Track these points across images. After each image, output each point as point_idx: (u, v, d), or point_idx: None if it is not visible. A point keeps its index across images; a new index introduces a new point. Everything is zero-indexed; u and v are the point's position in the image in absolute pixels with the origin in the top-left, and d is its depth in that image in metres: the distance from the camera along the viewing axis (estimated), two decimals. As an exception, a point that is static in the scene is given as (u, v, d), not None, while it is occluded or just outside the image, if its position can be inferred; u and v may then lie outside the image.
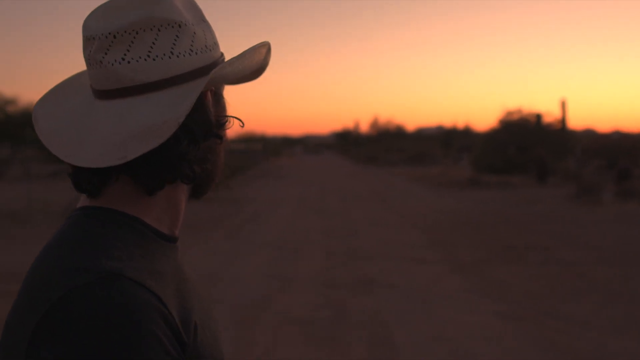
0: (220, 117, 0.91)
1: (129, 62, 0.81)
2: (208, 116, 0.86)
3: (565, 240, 10.29)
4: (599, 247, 9.60)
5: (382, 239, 10.66)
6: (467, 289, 6.97)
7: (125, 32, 0.81)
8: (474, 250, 9.37)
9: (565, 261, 8.46)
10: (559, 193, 18.33)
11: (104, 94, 0.84)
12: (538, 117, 29.41)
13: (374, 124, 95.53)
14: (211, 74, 0.83)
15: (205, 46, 0.87)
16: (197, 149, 0.85)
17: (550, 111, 42.05)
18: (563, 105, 30.02)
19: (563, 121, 29.75)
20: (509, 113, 30.08)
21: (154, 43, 0.82)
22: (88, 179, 0.83)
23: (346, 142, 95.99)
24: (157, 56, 0.82)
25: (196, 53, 0.86)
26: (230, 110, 0.94)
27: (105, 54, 0.82)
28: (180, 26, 0.84)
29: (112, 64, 0.81)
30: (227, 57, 0.90)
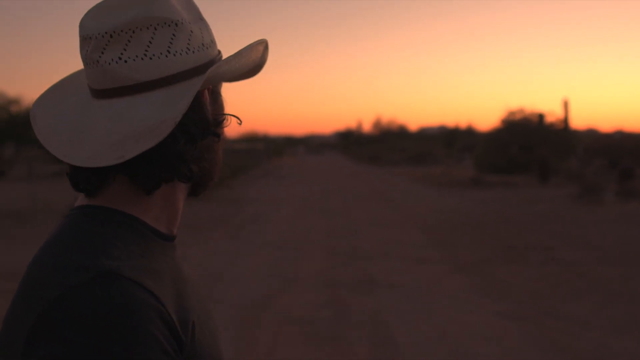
0: (217, 116, 0.91)
1: (125, 61, 0.81)
2: (205, 115, 0.86)
3: (567, 240, 10.27)
4: (600, 247, 9.58)
5: (383, 238, 10.66)
6: (468, 288, 6.97)
7: (121, 31, 0.81)
8: (476, 250, 9.36)
9: (567, 261, 8.45)
10: (561, 193, 18.30)
11: (101, 94, 0.84)
12: (540, 116, 29.40)
13: (377, 124, 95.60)
14: (208, 73, 0.83)
15: (202, 44, 0.87)
16: (195, 148, 0.85)
17: (552, 111, 42.08)
18: (565, 104, 29.99)
19: (565, 121, 29.73)
20: (512, 113, 30.07)
21: (150, 42, 0.82)
22: (86, 178, 0.83)
23: (349, 142, 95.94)
24: (153, 55, 0.82)
25: (193, 51, 0.86)
26: (230, 108, 0.94)
27: (102, 53, 0.82)
28: (176, 25, 0.84)
29: (109, 64, 0.81)
30: (227, 55, 0.90)
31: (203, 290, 0.99)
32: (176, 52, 0.84)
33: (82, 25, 0.84)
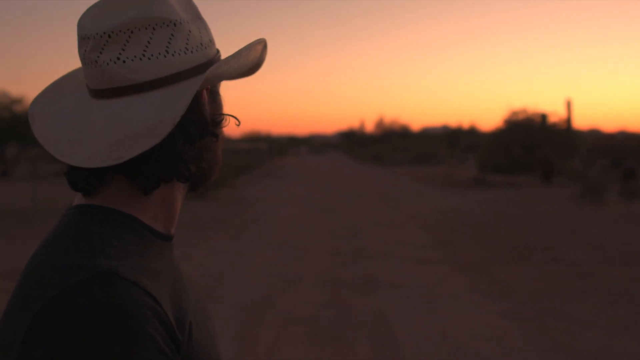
0: (216, 115, 0.90)
1: (124, 61, 0.81)
2: (204, 115, 0.86)
3: (569, 240, 10.26)
4: (603, 247, 9.57)
5: (386, 238, 10.65)
6: (470, 288, 6.96)
7: (120, 31, 0.81)
8: (477, 250, 9.35)
9: (569, 261, 8.44)
10: (564, 193, 18.27)
11: (99, 93, 0.84)
12: (543, 117, 29.35)
13: (380, 124, 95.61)
14: (207, 73, 0.83)
15: (201, 44, 0.87)
16: (194, 148, 0.85)
17: (555, 111, 42.10)
18: (568, 105, 29.94)
19: (568, 121, 29.67)
20: (515, 113, 30.03)
21: (149, 42, 0.82)
22: (84, 178, 0.83)
23: (351, 142, 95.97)
24: (152, 55, 0.82)
25: (191, 51, 0.85)
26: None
27: (100, 53, 0.82)
28: (175, 25, 0.84)
29: (107, 64, 0.81)
30: (226, 54, 0.90)
31: (202, 290, 0.98)
32: (174, 52, 0.84)
33: (81, 24, 0.84)
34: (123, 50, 0.81)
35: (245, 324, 5.62)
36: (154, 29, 0.82)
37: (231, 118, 0.94)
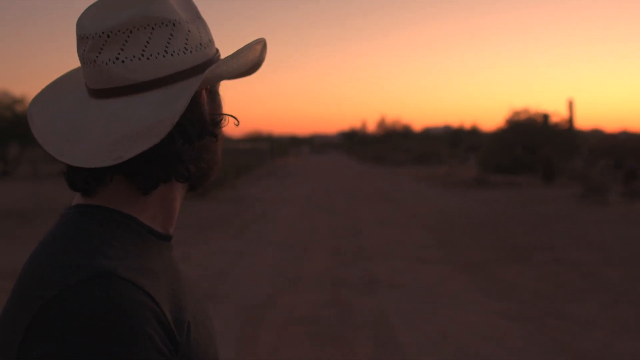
0: (215, 115, 0.91)
1: (122, 61, 0.81)
2: (203, 115, 0.86)
3: (571, 240, 10.25)
4: (604, 247, 9.55)
5: (387, 238, 10.65)
6: (472, 288, 6.96)
7: (119, 31, 0.81)
8: (480, 250, 9.35)
9: (570, 261, 8.43)
10: (566, 193, 18.26)
11: (98, 93, 0.84)
12: (545, 117, 29.30)
13: (381, 124, 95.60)
14: (206, 73, 0.83)
15: (200, 44, 0.87)
16: (193, 148, 0.85)
17: (557, 111, 42.03)
18: (570, 105, 29.91)
19: (570, 121, 29.63)
20: (516, 113, 29.98)
21: (148, 42, 0.82)
22: (83, 178, 0.83)
23: (353, 142, 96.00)
24: (151, 55, 0.82)
25: (190, 51, 0.85)
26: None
27: (99, 53, 0.82)
28: (174, 24, 0.84)
29: (106, 64, 0.81)
30: (226, 53, 0.90)
31: (200, 290, 0.98)
32: (173, 52, 0.84)
33: (80, 24, 0.84)
34: (122, 50, 0.81)
35: (246, 324, 5.62)
36: (153, 28, 0.82)
37: (230, 118, 0.94)
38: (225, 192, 18.51)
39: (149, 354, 0.72)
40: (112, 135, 0.80)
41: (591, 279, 7.37)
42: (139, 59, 0.82)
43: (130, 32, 0.81)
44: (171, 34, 0.84)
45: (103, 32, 0.81)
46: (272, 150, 50.30)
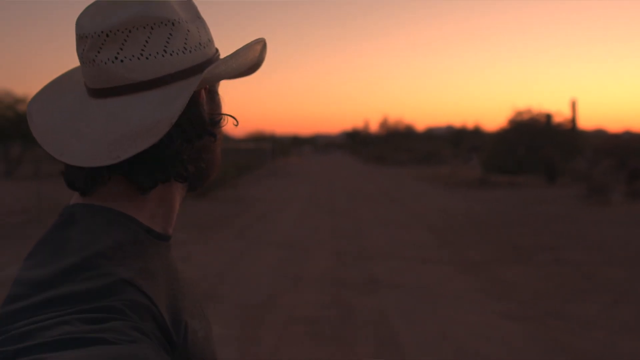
0: (214, 115, 0.90)
1: (122, 60, 0.81)
2: (202, 115, 0.86)
3: (573, 240, 10.24)
4: (607, 247, 9.54)
5: (389, 238, 10.65)
6: (474, 289, 6.96)
7: (118, 30, 0.81)
8: (481, 250, 9.34)
9: (572, 262, 8.42)
10: (568, 193, 18.24)
11: (97, 93, 0.84)
12: (548, 117, 29.25)
13: (384, 124, 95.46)
14: (205, 73, 0.83)
15: (199, 44, 0.87)
16: (192, 148, 0.85)
17: (560, 111, 41.94)
18: (573, 105, 29.86)
19: (573, 121, 29.58)
20: (519, 113, 29.93)
21: (147, 41, 0.82)
22: (82, 178, 0.83)
23: (355, 142, 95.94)
24: (150, 55, 0.82)
25: (190, 51, 0.85)
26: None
27: (98, 52, 0.82)
28: (173, 24, 0.84)
29: (105, 63, 0.81)
30: (229, 53, 0.90)
31: (199, 290, 0.99)
32: (173, 51, 0.83)
33: (79, 23, 0.84)
34: (121, 49, 0.81)
35: (247, 323, 5.62)
36: (152, 28, 0.82)
37: (230, 118, 0.94)
38: (226, 192, 18.51)
39: (146, 355, 0.72)
40: (111, 135, 0.80)
41: (592, 279, 7.36)
42: (138, 58, 0.82)
43: (130, 31, 0.81)
44: (170, 34, 0.84)
45: (102, 32, 0.81)
46: (274, 150, 50.28)
